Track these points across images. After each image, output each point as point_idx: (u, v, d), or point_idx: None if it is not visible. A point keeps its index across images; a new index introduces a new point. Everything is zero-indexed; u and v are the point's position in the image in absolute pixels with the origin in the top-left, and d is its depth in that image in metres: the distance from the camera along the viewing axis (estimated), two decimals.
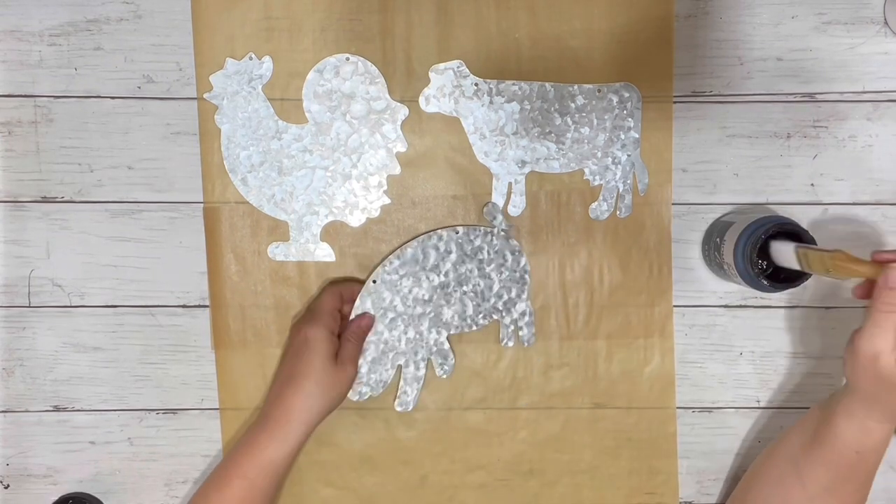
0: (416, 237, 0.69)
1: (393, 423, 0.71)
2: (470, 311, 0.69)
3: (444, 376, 0.70)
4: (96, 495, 0.71)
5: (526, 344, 0.70)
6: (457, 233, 0.69)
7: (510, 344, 0.70)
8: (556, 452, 0.71)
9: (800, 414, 0.71)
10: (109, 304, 0.70)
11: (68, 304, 0.70)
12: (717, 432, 0.71)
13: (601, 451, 0.71)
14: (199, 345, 0.70)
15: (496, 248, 0.69)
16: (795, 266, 0.60)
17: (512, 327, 0.70)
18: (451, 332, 0.69)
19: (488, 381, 0.71)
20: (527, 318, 0.70)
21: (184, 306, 0.70)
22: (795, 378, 0.71)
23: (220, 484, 0.62)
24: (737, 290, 0.71)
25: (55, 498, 0.70)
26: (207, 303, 0.70)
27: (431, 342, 0.69)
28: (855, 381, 0.57)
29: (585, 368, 0.71)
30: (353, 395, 0.68)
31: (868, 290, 0.56)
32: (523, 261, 0.69)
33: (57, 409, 0.71)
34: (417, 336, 0.69)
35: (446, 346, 0.69)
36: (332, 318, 0.66)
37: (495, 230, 0.69)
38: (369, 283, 0.68)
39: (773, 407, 0.71)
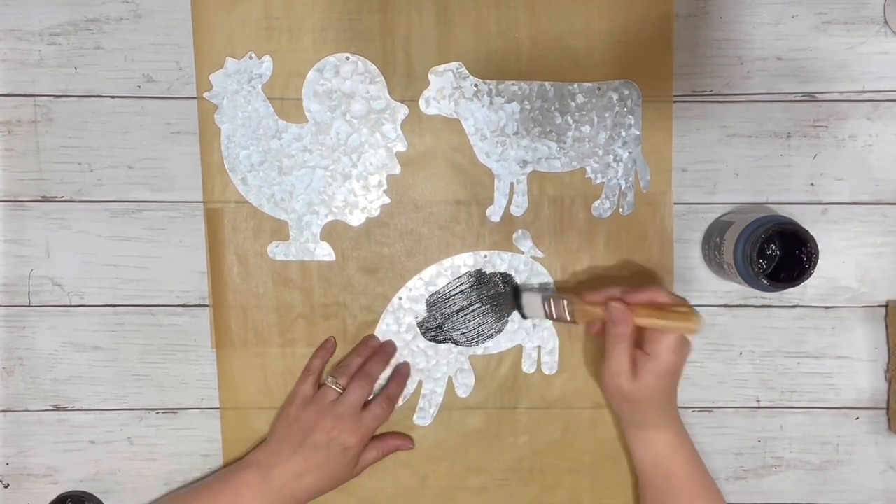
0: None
1: (393, 426, 0.70)
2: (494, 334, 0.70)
3: (464, 396, 0.70)
4: (96, 495, 0.71)
5: (548, 372, 0.70)
6: (485, 257, 0.69)
7: (532, 370, 0.70)
8: (557, 455, 0.71)
9: (799, 414, 0.71)
10: (109, 303, 0.70)
11: (68, 304, 0.70)
12: (717, 432, 0.71)
13: (601, 454, 0.71)
14: (199, 344, 0.70)
15: (525, 275, 0.69)
16: (542, 316, 0.66)
17: (535, 354, 0.70)
18: (475, 354, 0.70)
19: (489, 384, 0.71)
20: (550, 346, 0.70)
21: (184, 306, 0.70)
22: (795, 378, 0.71)
23: None
24: (737, 290, 0.71)
25: (54, 497, 0.70)
26: (207, 302, 0.70)
27: (454, 362, 0.70)
28: (618, 410, 0.65)
29: (586, 373, 0.71)
30: None
31: (600, 328, 0.64)
32: (550, 289, 0.69)
33: (57, 408, 0.71)
34: (440, 355, 0.69)
35: (467, 366, 0.70)
36: (373, 429, 0.67)
37: (525, 256, 0.69)
38: (395, 300, 0.69)
39: (773, 407, 0.71)
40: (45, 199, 0.70)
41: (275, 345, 0.70)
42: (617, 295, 0.62)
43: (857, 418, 0.71)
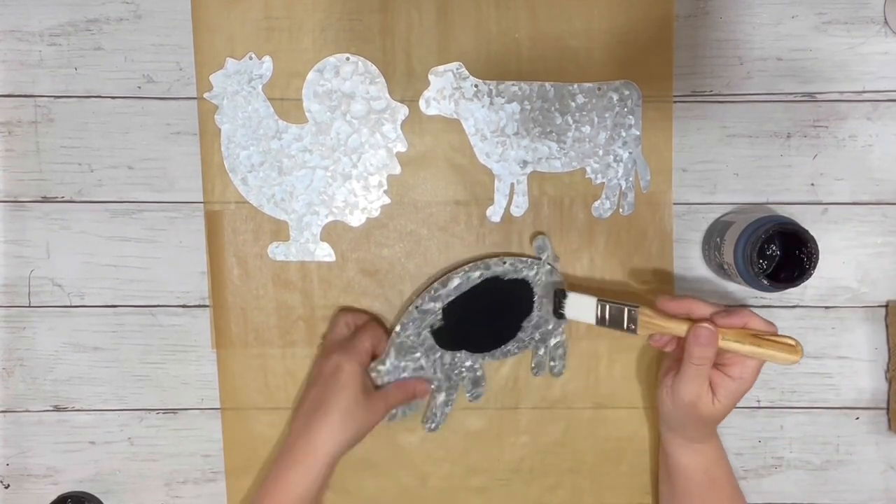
0: (462, 266, 0.67)
1: (394, 427, 0.70)
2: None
3: (473, 402, 0.70)
4: (96, 495, 0.71)
5: (555, 376, 0.70)
6: (504, 263, 0.67)
7: (540, 373, 0.70)
8: (558, 455, 0.71)
9: (800, 414, 0.71)
10: (109, 303, 0.70)
11: (68, 304, 0.70)
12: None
13: (602, 454, 0.71)
14: (199, 345, 0.70)
15: (541, 282, 0.68)
16: (592, 321, 0.64)
17: (546, 357, 0.70)
18: (486, 361, 0.69)
19: (490, 385, 0.71)
20: (560, 351, 0.70)
21: (184, 306, 0.70)
22: (795, 378, 0.71)
23: None
24: (737, 290, 0.71)
25: (55, 497, 0.70)
26: (207, 303, 0.70)
27: (465, 370, 0.69)
28: (675, 421, 0.63)
29: (587, 373, 0.71)
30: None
31: (667, 340, 0.64)
32: (566, 297, 0.67)
33: (57, 408, 0.71)
34: (452, 363, 0.69)
35: (480, 373, 0.69)
36: (367, 355, 0.66)
37: (542, 263, 0.68)
38: (412, 311, 0.67)
39: (773, 407, 0.71)
40: (46, 200, 0.70)
41: (275, 346, 0.70)
42: (703, 314, 0.61)
43: (858, 418, 0.71)
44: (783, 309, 0.71)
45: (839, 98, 0.70)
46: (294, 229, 0.69)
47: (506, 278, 0.67)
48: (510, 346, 0.69)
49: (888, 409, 0.71)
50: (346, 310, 0.70)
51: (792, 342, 0.59)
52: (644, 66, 0.69)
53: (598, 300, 0.63)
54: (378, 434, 0.70)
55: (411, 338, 0.67)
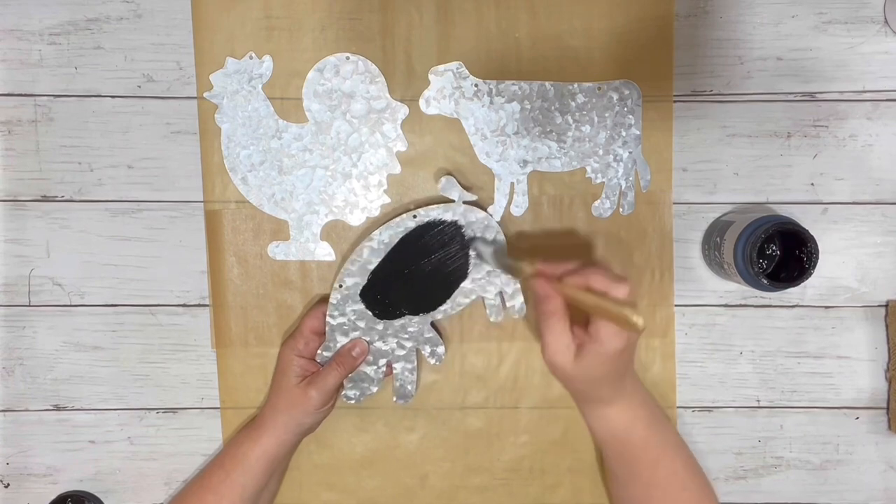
0: (373, 232, 0.66)
1: (394, 425, 0.71)
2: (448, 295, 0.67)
3: (437, 363, 0.68)
4: (96, 494, 0.71)
5: (517, 316, 0.68)
6: (414, 217, 0.65)
7: (499, 318, 0.68)
8: (557, 455, 0.71)
9: (800, 413, 0.71)
10: (109, 303, 0.70)
11: (68, 304, 0.70)
12: (717, 432, 0.71)
13: (602, 454, 0.71)
14: (199, 344, 0.70)
15: (461, 227, 0.65)
16: (495, 266, 0.64)
17: (497, 301, 0.68)
18: (436, 319, 0.68)
19: (489, 384, 0.71)
20: (512, 288, 0.68)
21: (184, 305, 0.70)
22: (795, 378, 0.71)
23: (202, 474, 0.67)
24: (737, 290, 0.71)
25: (54, 497, 0.70)
26: (207, 302, 0.70)
27: (416, 334, 0.68)
28: (564, 386, 0.62)
29: None
30: (343, 399, 0.68)
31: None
32: (495, 231, 0.66)
33: (57, 408, 0.71)
34: (397, 332, 0.67)
35: (432, 333, 0.68)
36: (306, 340, 0.66)
37: (455, 205, 0.66)
38: (336, 292, 0.66)
39: (773, 407, 0.71)
40: (46, 199, 0.70)
41: (275, 345, 0.70)
42: (555, 272, 0.58)
43: (858, 418, 0.71)
44: (783, 309, 0.71)
45: (839, 98, 0.69)
46: (294, 228, 0.69)
47: (420, 231, 0.65)
48: (454, 298, 0.67)
49: (888, 408, 0.71)
50: (322, 301, 0.69)
51: (627, 315, 0.52)
52: (644, 65, 0.69)
53: (494, 250, 0.64)
54: (378, 434, 0.71)
55: (346, 318, 0.66)
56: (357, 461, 0.71)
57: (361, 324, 0.67)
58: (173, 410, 0.71)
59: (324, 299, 0.69)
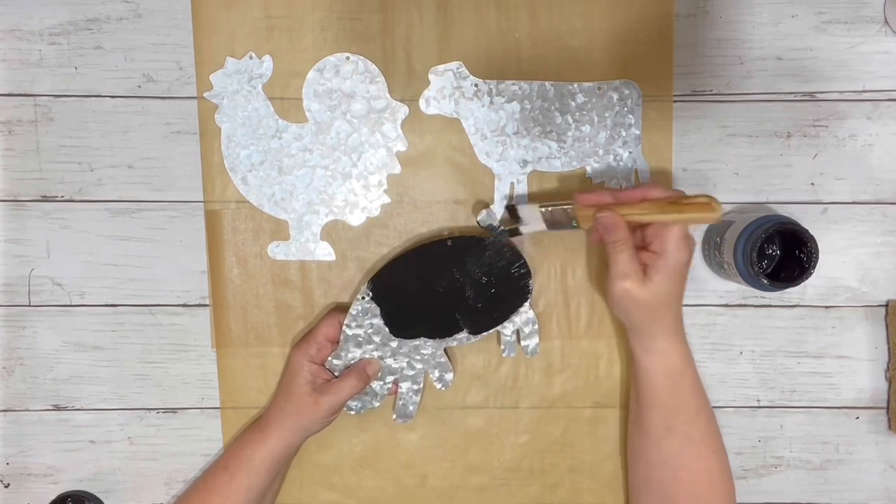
0: (406, 251, 0.67)
1: (393, 426, 0.70)
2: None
3: (443, 389, 0.69)
4: (96, 494, 0.71)
5: (529, 355, 0.69)
6: (449, 244, 0.66)
7: (512, 354, 0.69)
8: (557, 454, 0.71)
9: (800, 413, 0.71)
10: (109, 303, 0.70)
11: (68, 304, 0.70)
12: None
13: (602, 453, 0.71)
14: (199, 344, 0.70)
15: (494, 256, 0.66)
16: (544, 227, 0.64)
17: (513, 338, 0.68)
18: (450, 346, 0.68)
19: (489, 384, 0.71)
20: (530, 328, 0.68)
21: (184, 305, 0.70)
22: (795, 378, 0.71)
23: (206, 475, 0.67)
24: (737, 290, 0.71)
25: (55, 497, 0.70)
26: (207, 302, 0.70)
27: (428, 357, 0.68)
28: (627, 318, 0.63)
29: (587, 372, 0.71)
30: (344, 409, 0.67)
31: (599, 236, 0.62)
32: (525, 268, 0.66)
33: (57, 408, 0.71)
34: (411, 352, 0.67)
35: (444, 359, 0.68)
36: (319, 346, 0.66)
37: (493, 236, 0.66)
38: (358, 303, 0.66)
39: (773, 406, 0.71)
40: (46, 199, 0.70)
41: (275, 345, 0.70)
42: (608, 200, 0.60)
43: (858, 418, 0.71)
44: (783, 309, 0.71)
45: (839, 98, 0.69)
46: (294, 228, 0.69)
47: (459, 254, 0.66)
48: (466, 330, 0.66)
49: (888, 408, 0.71)
50: (339, 308, 0.69)
51: (705, 200, 0.58)
52: (644, 65, 0.69)
53: (540, 205, 0.63)
54: (378, 434, 0.71)
55: (363, 330, 0.66)
56: (357, 461, 0.71)
57: (377, 338, 0.67)
58: (173, 410, 0.71)
59: (340, 307, 0.69)
